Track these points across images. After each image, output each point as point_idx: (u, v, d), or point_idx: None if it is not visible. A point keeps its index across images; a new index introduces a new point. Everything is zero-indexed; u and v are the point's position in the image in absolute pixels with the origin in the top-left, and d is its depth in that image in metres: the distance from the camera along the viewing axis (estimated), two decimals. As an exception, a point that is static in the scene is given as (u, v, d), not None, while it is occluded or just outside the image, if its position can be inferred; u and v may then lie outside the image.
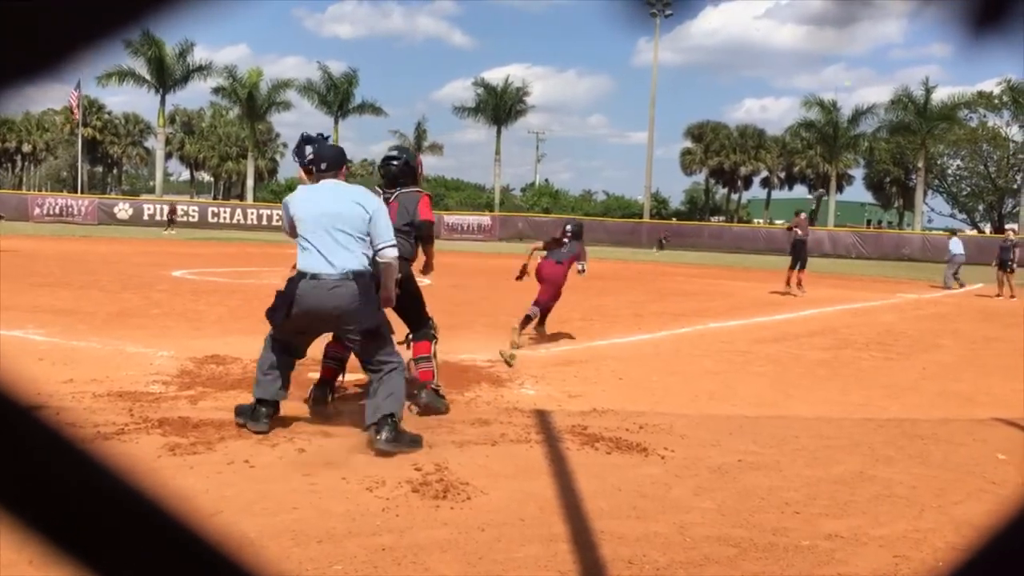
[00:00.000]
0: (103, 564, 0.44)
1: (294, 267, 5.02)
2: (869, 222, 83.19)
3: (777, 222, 61.55)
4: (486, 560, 3.33)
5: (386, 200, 5.75)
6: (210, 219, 46.65)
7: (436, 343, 6.15)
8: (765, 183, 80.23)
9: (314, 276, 4.83)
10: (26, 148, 78.88)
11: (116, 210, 45.58)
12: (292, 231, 5.07)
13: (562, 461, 4.78)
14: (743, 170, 76.69)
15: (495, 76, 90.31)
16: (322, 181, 5.10)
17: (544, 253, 9.95)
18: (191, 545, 0.45)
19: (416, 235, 5.96)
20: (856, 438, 5.63)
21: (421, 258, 6.18)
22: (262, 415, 5.04)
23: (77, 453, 0.44)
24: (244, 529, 3.46)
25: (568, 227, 10.03)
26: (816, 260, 40.09)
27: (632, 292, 17.30)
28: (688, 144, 78.48)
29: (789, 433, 5.67)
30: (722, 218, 76.15)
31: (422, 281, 6.32)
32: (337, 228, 4.86)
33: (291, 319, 4.93)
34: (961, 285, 20.67)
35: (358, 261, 4.88)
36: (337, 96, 55.29)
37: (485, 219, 51.72)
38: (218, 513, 3.64)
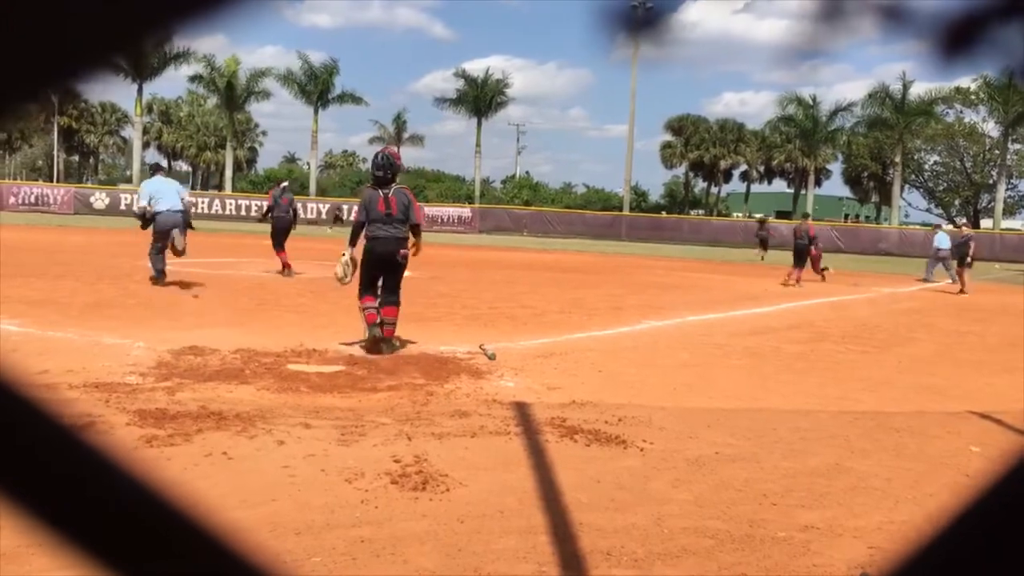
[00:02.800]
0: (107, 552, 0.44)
1: None
2: (847, 216, 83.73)
3: (755, 215, 61.88)
4: (465, 552, 3.34)
5: (385, 196, 7.71)
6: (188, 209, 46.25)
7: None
8: (744, 177, 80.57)
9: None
10: (1, 136, 77.93)
11: (92, 200, 45.13)
12: None
13: (541, 453, 4.79)
14: (723, 164, 76.96)
15: (476, 67, 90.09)
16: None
17: None
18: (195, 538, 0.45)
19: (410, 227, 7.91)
20: (832, 430, 5.69)
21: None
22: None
23: (75, 443, 0.44)
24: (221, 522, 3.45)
25: None
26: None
27: (610, 285, 17.35)
28: (668, 138, 78.64)
29: (766, 426, 5.71)
30: (701, 211, 76.38)
31: (405, 273, 8.04)
32: None
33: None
34: (952, 280, 20.84)
35: None
36: (317, 86, 54.98)
37: (465, 211, 51.63)
38: (195, 505, 3.63)
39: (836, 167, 75.66)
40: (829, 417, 6.12)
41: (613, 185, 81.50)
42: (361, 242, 7.89)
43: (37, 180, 65.63)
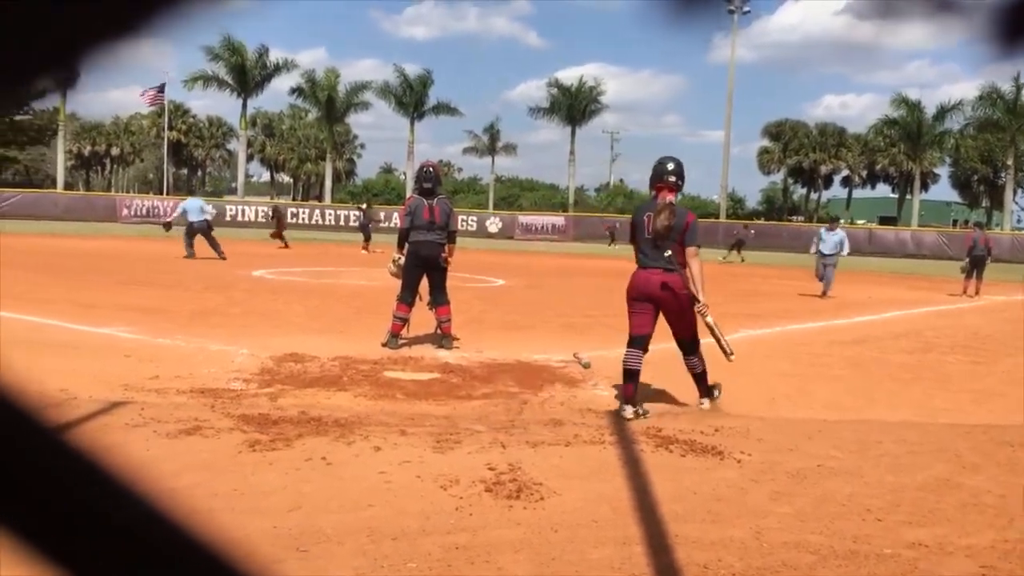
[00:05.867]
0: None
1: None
2: (955, 222, 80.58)
3: (858, 222, 60.11)
4: (559, 561, 3.33)
5: (429, 205, 8.47)
6: (289, 220, 47.51)
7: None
8: (846, 182, 78.50)
9: None
10: (115, 151, 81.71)
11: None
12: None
13: (636, 463, 4.74)
14: (823, 169, 75.14)
15: (569, 76, 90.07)
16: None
17: None
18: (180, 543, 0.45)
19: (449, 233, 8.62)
20: (941, 444, 5.46)
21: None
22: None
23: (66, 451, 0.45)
24: (321, 525, 3.52)
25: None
26: (900, 261, 39.16)
27: (707, 294, 17.06)
28: (766, 143, 77.23)
29: (871, 438, 5.52)
30: (801, 218, 74.65)
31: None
32: None
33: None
34: None
35: None
36: (413, 97, 55.90)
37: (559, 219, 51.68)
38: (296, 509, 3.71)
39: (943, 171, 73.02)
40: (937, 430, 5.88)
41: (709, 192, 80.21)
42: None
43: (148, 193, 68.46)
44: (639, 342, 6.09)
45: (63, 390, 5.80)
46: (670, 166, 6.28)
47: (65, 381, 6.04)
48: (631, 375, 6.02)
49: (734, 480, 4.50)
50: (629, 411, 5.81)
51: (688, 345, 6.23)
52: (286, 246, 25.47)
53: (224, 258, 19.38)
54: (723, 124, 53.54)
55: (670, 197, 6.18)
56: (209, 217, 20.40)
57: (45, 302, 10.52)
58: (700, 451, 5.00)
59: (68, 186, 57.75)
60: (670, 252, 5.99)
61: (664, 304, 6.09)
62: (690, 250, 6.09)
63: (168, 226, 21.23)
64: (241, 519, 3.56)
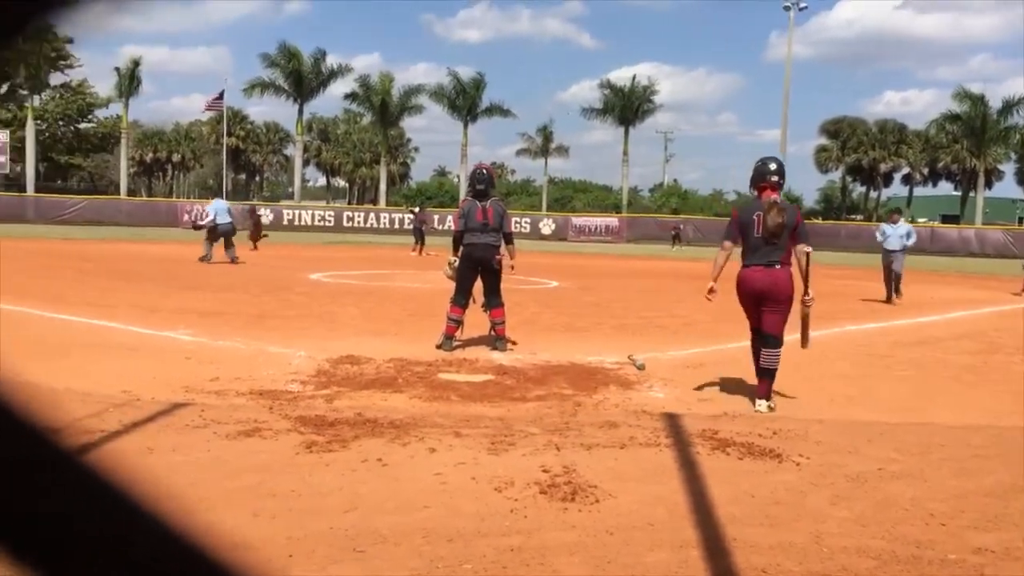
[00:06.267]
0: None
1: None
2: (1021, 220, 78.41)
3: (920, 220, 58.82)
4: (615, 564, 3.31)
5: (483, 207, 8.53)
6: (345, 223, 48.12)
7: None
8: (907, 180, 76.87)
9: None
10: (175, 158, 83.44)
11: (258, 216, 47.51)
12: None
13: (692, 465, 4.70)
14: (883, 167, 73.71)
15: (622, 76, 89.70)
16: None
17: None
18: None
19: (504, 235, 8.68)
20: (1007, 447, 5.32)
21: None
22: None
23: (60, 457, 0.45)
24: (377, 526, 3.55)
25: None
26: (963, 260, 38.20)
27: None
28: (823, 141, 76.02)
29: (934, 441, 5.40)
30: (860, 217, 73.32)
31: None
32: None
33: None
34: None
35: None
36: (466, 100, 56.15)
37: (613, 220, 51.45)
38: (352, 509, 3.75)
39: (1008, 167, 71.12)
40: (1003, 433, 5.73)
41: (764, 191, 78.92)
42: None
43: (208, 198, 69.85)
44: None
45: (126, 391, 5.94)
46: (772, 166, 6.49)
47: (129, 383, 6.20)
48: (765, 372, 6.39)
49: (793, 483, 4.44)
50: (760, 403, 6.23)
51: (774, 340, 6.38)
52: (255, 248, 25.31)
53: (237, 262, 19.19)
54: (779, 122, 52.70)
55: (774, 196, 6.38)
56: (232, 220, 20.26)
57: (111, 306, 10.81)
58: (758, 454, 4.94)
59: (131, 192, 59.21)
60: (780, 249, 6.23)
61: (766, 298, 6.32)
62: (801, 246, 6.33)
63: (200, 228, 20.98)
64: (299, 519, 3.61)
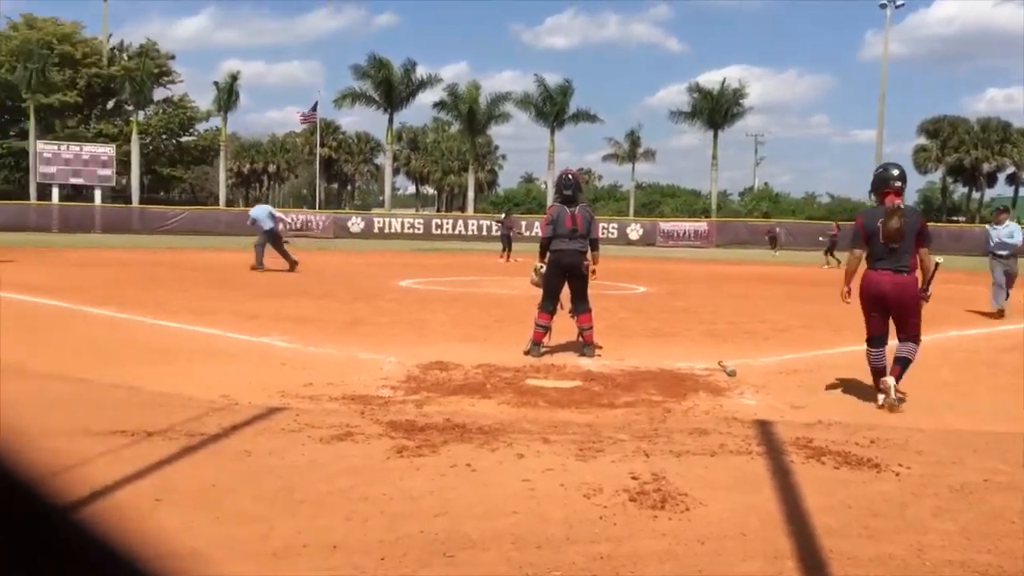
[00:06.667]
0: None
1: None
2: None
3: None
4: (706, 574, 3.26)
5: (572, 213, 8.48)
6: (434, 231, 48.74)
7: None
8: (1011, 179, 73.77)
9: None
10: (271, 168, 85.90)
11: (350, 224, 48.58)
12: None
13: (785, 474, 4.59)
14: (986, 166, 70.95)
15: (711, 79, 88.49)
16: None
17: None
18: None
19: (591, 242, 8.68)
20: (1125, 460, 5.04)
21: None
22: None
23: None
24: (466, 531, 3.58)
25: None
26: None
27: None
28: (922, 141, 73.56)
29: (1044, 452, 5.16)
30: (962, 218, 70.70)
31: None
32: None
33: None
34: None
35: None
36: (553, 107, 56.22)
37: (702, 225, 50.80)
38: (442, 514, 3.78)
39: (1123, 164, 67.60)
40: (1121, 444, 5.44)
41: (859, 193, 77.05)
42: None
43: (302, 207, 71.54)
44: (878, 342, 6.64)
45: (225, 396, 6.13)
46: (895, 172, 6.68)
47: (227, 387, 6.40)
48: (878, 371, 6.57)
49: (892, 494, 4.30)
50: (881, 399, 6.42)
51: (912, 337, 6.61)
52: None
53: (294, 267, 19.09)
54: (875, 122, 51.22)
55: (897, 201, 6.53)
56: (279, 225, 20.20)
57: (212, 313, 11.19)
58: (855, 463, 4.80)
59: (229, 203, 61.02)
60: (906, 253, 6.43)
61: (894, 303, 6.54)
62: (924, 249, 6.56)
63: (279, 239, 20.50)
64: (391, 523, 3.66)
